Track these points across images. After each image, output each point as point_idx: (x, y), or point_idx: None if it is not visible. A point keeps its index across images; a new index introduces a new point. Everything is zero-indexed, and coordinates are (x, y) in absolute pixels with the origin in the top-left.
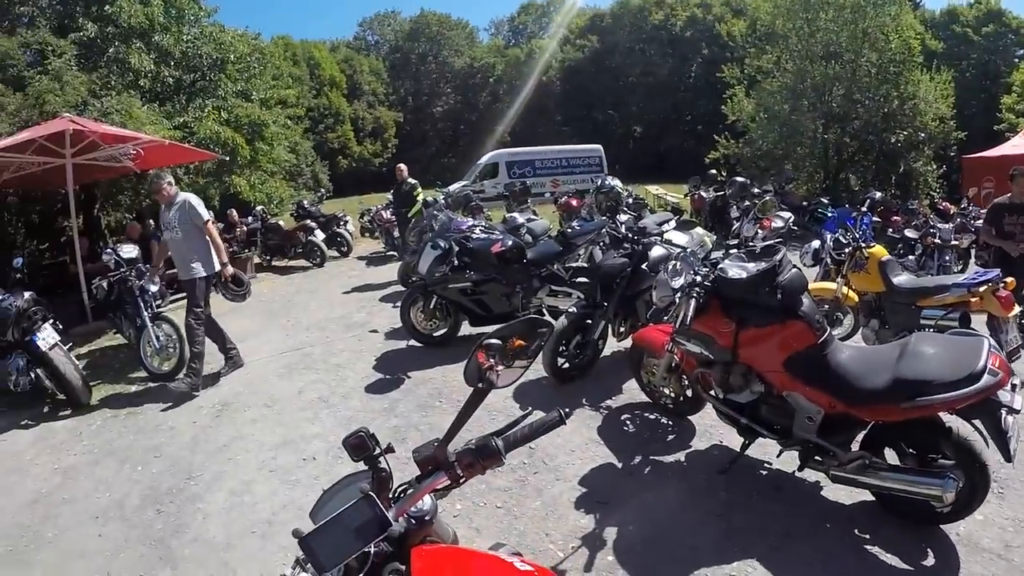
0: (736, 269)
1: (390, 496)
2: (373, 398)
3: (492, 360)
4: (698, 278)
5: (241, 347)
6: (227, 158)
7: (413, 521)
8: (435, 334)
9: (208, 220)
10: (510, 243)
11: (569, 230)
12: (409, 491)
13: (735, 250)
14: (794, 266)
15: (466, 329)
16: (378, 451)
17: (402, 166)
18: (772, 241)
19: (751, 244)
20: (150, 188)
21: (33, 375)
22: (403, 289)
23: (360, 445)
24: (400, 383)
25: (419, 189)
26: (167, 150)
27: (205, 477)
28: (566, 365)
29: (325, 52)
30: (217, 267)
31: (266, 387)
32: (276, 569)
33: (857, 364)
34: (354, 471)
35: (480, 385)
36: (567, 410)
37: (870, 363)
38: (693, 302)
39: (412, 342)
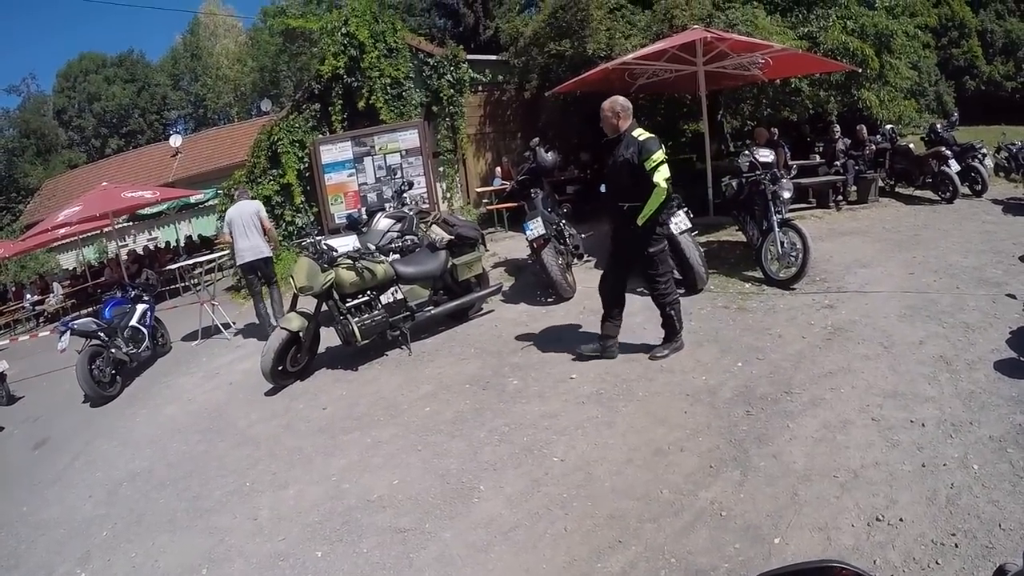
0: None
1: None
2: (1002, 380)
3: None
4: None
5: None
6: (859, 70)
7: None
8: None
9: None
10: None
11: None
12: None
13: None
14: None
15: None
16: None
17: None
18: None
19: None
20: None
21: None
22: None
23: None
24: None
25: None
26: (797, 59)
27: (803, 398)
28: None
29: None
30: None
31: (884, 324)
32: (844, 524)
33: None
34: None
35: None
36: None
37: None
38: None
39: None
